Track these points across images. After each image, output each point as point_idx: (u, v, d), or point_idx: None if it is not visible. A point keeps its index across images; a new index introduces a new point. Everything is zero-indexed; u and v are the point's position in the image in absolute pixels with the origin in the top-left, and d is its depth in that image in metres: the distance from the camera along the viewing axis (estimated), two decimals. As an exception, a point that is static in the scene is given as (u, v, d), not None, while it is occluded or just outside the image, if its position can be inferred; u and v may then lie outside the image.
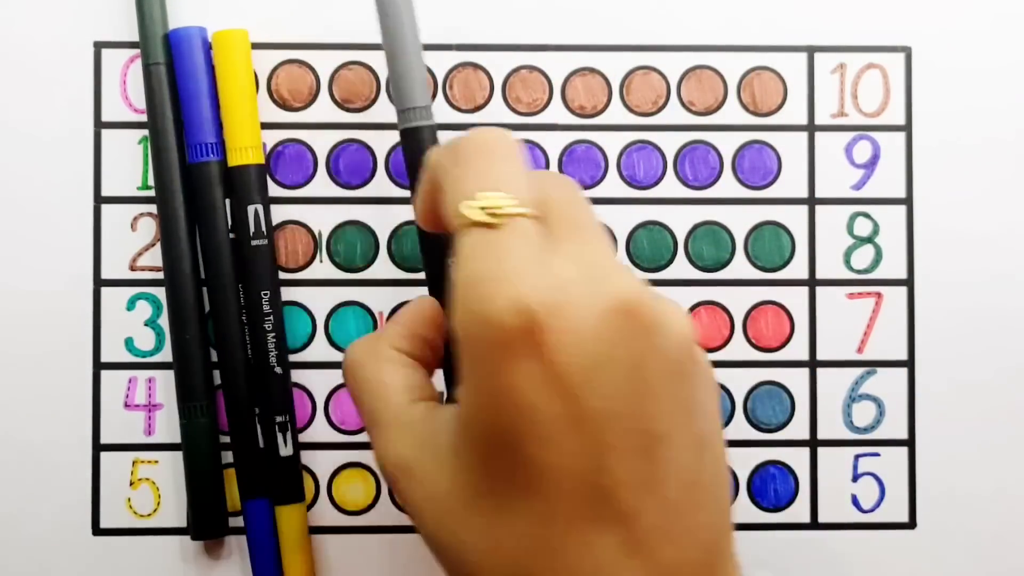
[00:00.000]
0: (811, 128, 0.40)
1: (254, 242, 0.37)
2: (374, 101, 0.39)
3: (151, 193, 0.38)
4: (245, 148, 0.37)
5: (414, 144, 0.34)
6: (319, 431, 0.39)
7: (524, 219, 0.26)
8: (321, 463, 0.39)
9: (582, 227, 0.28)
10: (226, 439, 0.38)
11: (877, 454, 0.39)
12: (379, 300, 0.39)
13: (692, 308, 0.39)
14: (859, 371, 0.39)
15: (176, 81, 0.37)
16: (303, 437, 0.39)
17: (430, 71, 0.39)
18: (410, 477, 0.27)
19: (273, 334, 0.37)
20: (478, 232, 0.26)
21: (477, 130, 0.29)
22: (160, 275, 0.38)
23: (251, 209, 0.37)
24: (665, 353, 0.26)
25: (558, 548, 0.25)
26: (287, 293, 0.39)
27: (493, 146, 0.28)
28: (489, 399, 0.25)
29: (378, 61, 0.39)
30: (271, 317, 0.37)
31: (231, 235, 0.37)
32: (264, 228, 0.37)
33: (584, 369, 0.25)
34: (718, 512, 0.27)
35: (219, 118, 0.37)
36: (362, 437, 0.39)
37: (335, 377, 0.39)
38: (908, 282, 0.39)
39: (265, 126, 0.39)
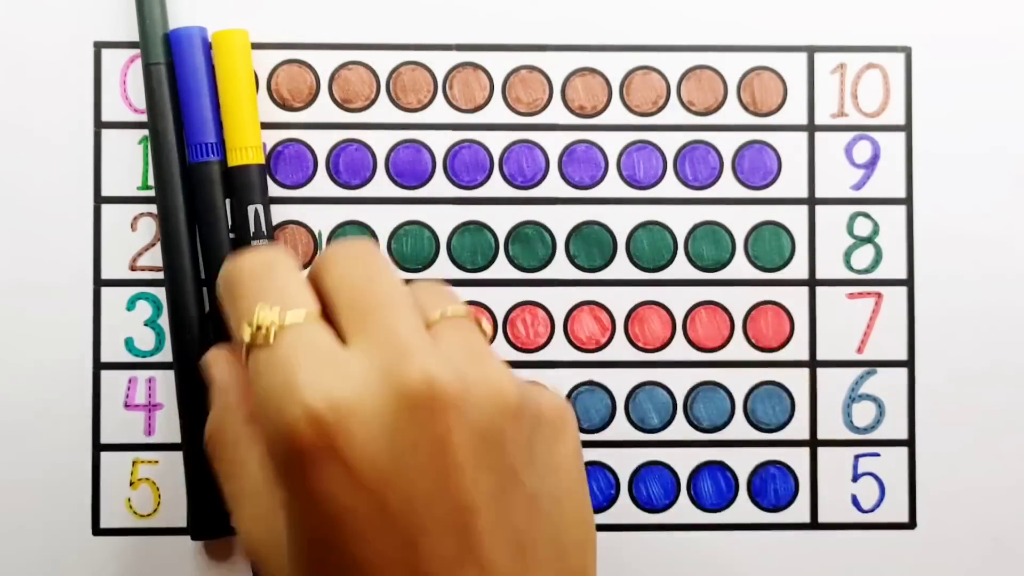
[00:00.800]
0: (811, 128, 0.40)
1: (255, 242, 0.37)
2: (374, 101, 0.39)
3: (151, 193, 0.38)
4: (245, 148, 0.37)
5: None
6: (319, 431, 0.39)
7: (303, 324, 0.27)
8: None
9: (372, 308, 0.27)
10: (226, 439, 0.38)
11: (877, 454, 0.39)
12: (379, 300, 0.39)
13: (692, 308, 0.39)
14: (859, 371, 0.39)
15: (176, 81, 0.37)
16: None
17: (430, 71, 0.39)
18: (262, 563, 0.28)
19: None
20: (258, 352, 0.27)
21: (236, 259, 0.30)
22: (160, 275, 0.38)
23: (251, 209, 0.37)
24: (471, 426, 0.26)
25: None
26: (287, 293, 0.39)
27: (255, 267, 0.29)
28: (301, 506, 0.26)
29: (378, 61, 0.39)
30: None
31: (231, 235, 0.37)
32: (265, 228, 0.37)
33: (383, 462, 0.25)
34: (561, 566, 0.27)
35: (219, 118, 0.37)
36: (362, 437, 0.39)
37: (335, 377, 0.39)
38: (908, 282, 0.39)
39: (265, 126, 0.39)
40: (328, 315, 0.28)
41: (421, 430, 0.25)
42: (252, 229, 0.37)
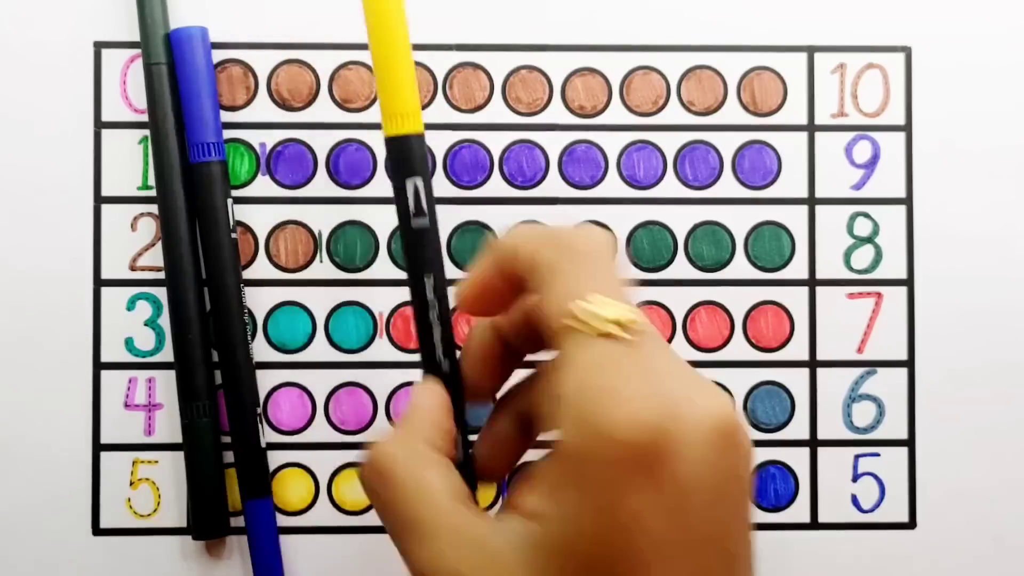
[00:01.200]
0: (811, 128, 0.40)
1: (415, 221, 0.30)
2: (374, 101, 0.39)
3: (151, 193, 0.38)
4: (404, 115, 0.30)
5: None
6: (319, 431, 0.39)
7: (642, 334, 0.25)
8: (321, 464, 0.39)
9: (664, 339, 0.27)
10: (226, 439, 0.38)
11: (877, 454, 0.39)
12: (379, 300, 0.39)
13: (692, 308, 0.39)
14: (859, 371, 0.39)
15: (177, 81, 0.37)
16: (301, 438, 0.39)
17: (430, 71, 0.39)
18: None
19: (442, 328, 0.31)
20: (601, 343, 0.25)
21: (585, 229, 0.27)
22: (160, 275, 0.38)
23: (410, 184, 0.30)
24: (744, 474, 0.25)
25: None
26: (287, 293, 0.39)
27: (604, 250, 0.27)
28: (601, 520, 0.23)
29: (378, 61, 0.39)
30: (442, 304, 0.31)
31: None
32: (426, 206, 0.30)
33: (695, 493, 0.23)
34: None
35: (219, 118, 0.37)
36: (360, 437, 0.39)
37: (335, 377, 0.39)
38: (908, 282, 0.39)
39: (265, 126, 0.39)
40: None
41: (719, 470, 0.24)
42: (412, 207, 0.30)
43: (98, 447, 0.38)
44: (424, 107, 0.39)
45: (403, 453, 0.27)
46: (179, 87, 0.37)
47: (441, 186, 0.39)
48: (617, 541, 0.23)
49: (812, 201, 0.40)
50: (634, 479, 0.23)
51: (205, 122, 0.37)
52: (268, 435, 0.38)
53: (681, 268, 0.39)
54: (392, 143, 0.30)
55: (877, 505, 0.39)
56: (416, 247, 0.30)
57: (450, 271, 0.39)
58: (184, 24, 0.38)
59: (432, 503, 0.26)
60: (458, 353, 0.30)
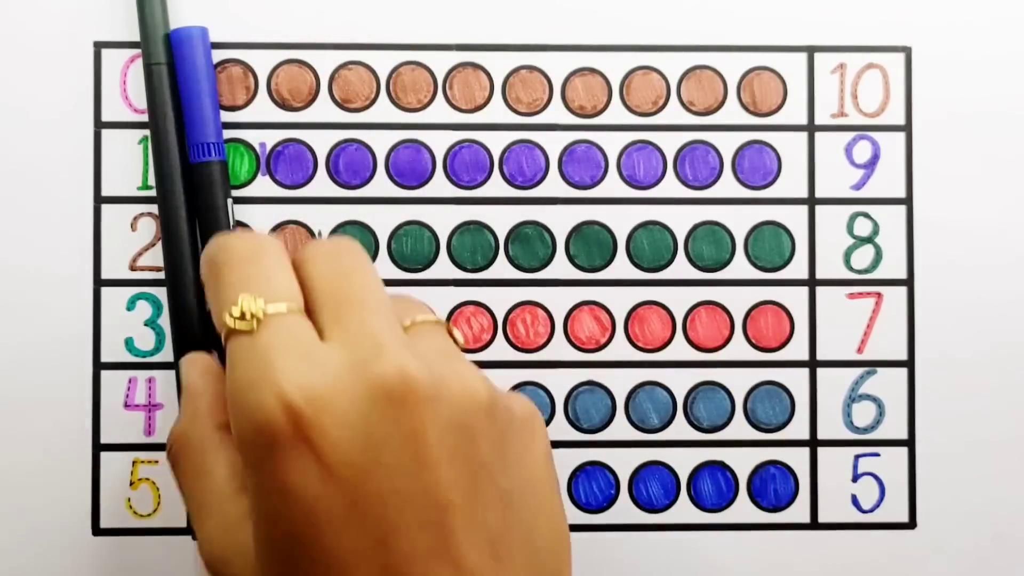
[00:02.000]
0: (811, 128, 0.40)
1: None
2: (374, 101, 0.39)
3: (151, 193, 0.38)
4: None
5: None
6: (319, 431, 0.39)
7: (285, 315, 0.27)
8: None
9: (352, 302, 0.28)
10: (226, 439, 0.38)
11: (877, 454, 0.39)
12: (379, 300, 0.39)
13: (692, 308, 0.39)
14: (859, 371, 0.39)
15: (177, 81, 0.37)
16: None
17: (430, 71, 0.39)
18: (224, 573, 0.27)
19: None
20: (239, 339, 0.27)
21: (225, 240, 0.29)
22: (160, 275, 0.38)
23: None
24: (445, 421, 0.26)
25: None
26: (287, 293, 0.39)
27: (244, 252, 0.29)
28: (273, 500, 0.25)
29: (378, 61, 0.39)
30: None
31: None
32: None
33: (356, 455, 0.25)
34: (536, 565, 0.27)
35: (219, 118, 0.37)
36: (362, 437, 0.39)
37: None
38: (908, 282, 0.39)
39: (265, 126, 0.39)
40: (308, 309, 0.28)
41: (395, 424, 0.25)
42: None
43: (98, 447, 0.38)
44: (424, 107, 0.39)
45: (193, 435, 0.29)
46: (179, 87, 0.37)
47: (441, 186, 0.39)
48: (290, 514, 0.25)
49: (812, 201, 0.40)
50: (282, 454, 0.25)
51: (205, 122, 0.37)
52: (268, 435, 0.38)
53: (681, 268, 0.39)
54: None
55: (877, 505, 0.39)
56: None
57: (450, 271, 0.39)
58: (184, 24, 0.38)
59: (210, 486, 0.28)
60: None
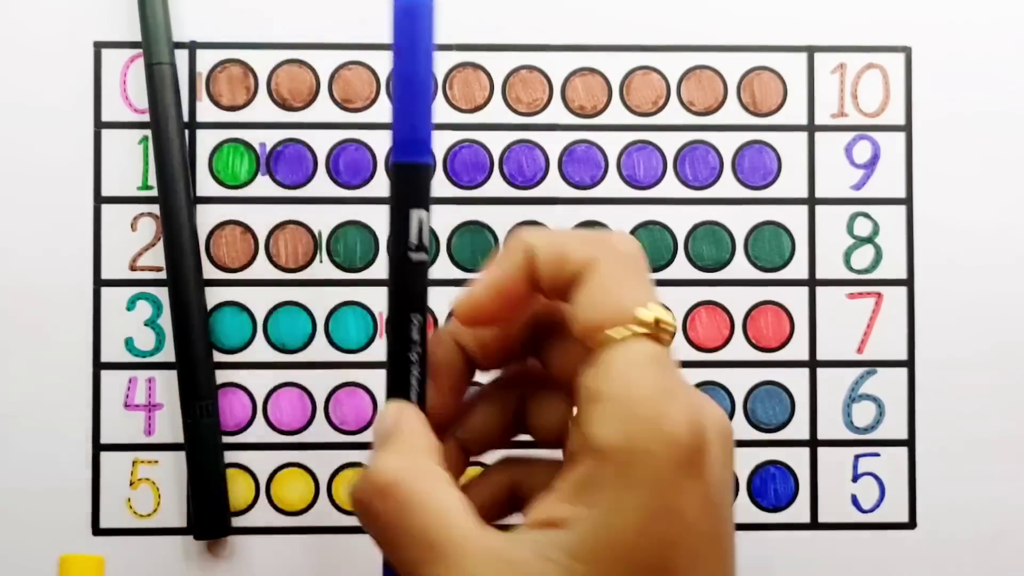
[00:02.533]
0: (811, 128, 0.40)
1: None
2: (374, 101, 0.39)
3: (151, 193, 0.38)
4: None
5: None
6: (319, 431, 0.39)
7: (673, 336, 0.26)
8: (321, 464, 0.39)
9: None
10: (228, 439, 0.38)
11: (877, 454, 0.39)
12: (379, 300, 0.39)
13: (692, 308, 0.39)
14: (859, 371, 0.39)
15: (395, 65, 0.29)
16: (301, 438, 0.39)
17: (430, 71, 0.39)
18: None
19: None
20: (648, 345, 0.25)
21: (620, 236, 0.28)
22: (160, 275, 0.38)
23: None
24: (733, 472, 0.27)
25: None
26: (287, 293, 0.39)
27: (639, 251, 0.27)
28: (650, 515, 0.24)
29: (378, 61, 0.39)
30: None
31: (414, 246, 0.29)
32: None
33: (717, 487, 0.25)
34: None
35: (430, 114, 0.30)
36: (360, 437, 0.39)
37: (335, 377, 0.39)
38: (908, 282, 0.39)
39: (265, 126, 0.39)
40: None
41: (731, 460, 0.26)
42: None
43: (98, 447, 0.38)
44: (424, 107, 0.39)
45: (410, 471, 0.26)
46: (394, 71, 0.29)
47: (441, 186, 0.39)
48: (666, 534, 0.24)
49: (812, 201, 0.40)
50: (685, 474, 0.24)
51: (414, 115, 0.29)
52: (268, 435, 0.38)
53: (681, 268, 0.39)
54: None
55: (877, 505, 0.39)
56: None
57: (450, 271, 0.39)
58: (183, 24, 0.38)
59: (453, 523, 0.25)
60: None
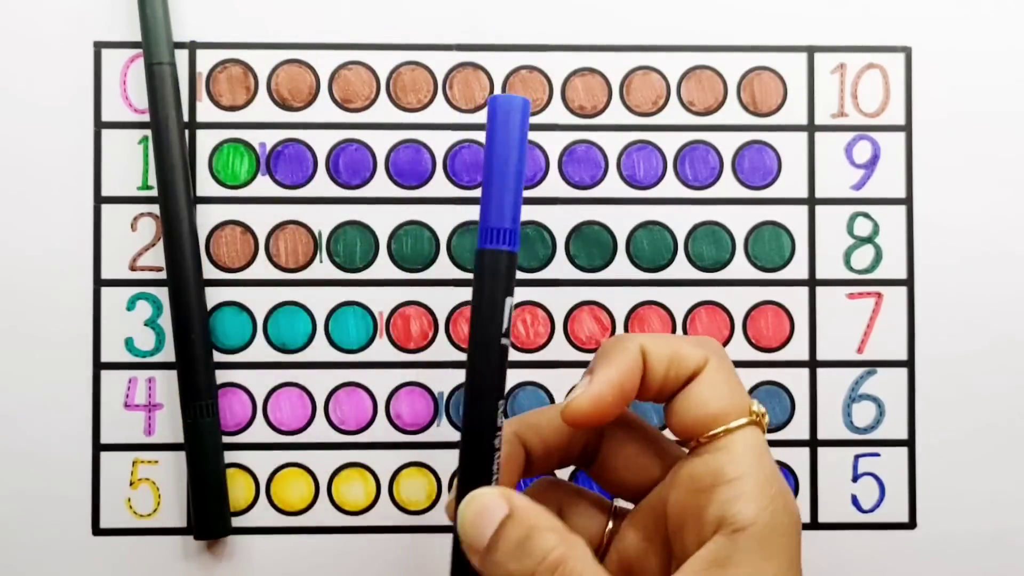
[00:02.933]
0: (811, 128, 0.40)
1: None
2: (374, 101, 0.39)
3: (151, 193, 0.38)
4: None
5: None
6: (319, 431, 0.39)
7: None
8: (321, 463, 0.39)
9: None
10: (228, 439, 0.38)
11: (877, 454, 0.39)
12: (379, 300, 0.39)
13: (692, 308, 0.39)
14: (859, 371, 0.39)
15: (488, 156, 0.30)
16: (301, 438, 0.39)
17: (430, 71, 0.39)
18: None
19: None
20: (759, 432, 0.29)
21: (712, 339, 0.31)
22: (160, 275, 0.38)
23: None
24: None
25: None
26: (287, 293, 0.39)
27: (723, 350, 0.31)
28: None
29: (378, 61, 0.39)
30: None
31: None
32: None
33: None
34: None
35: (520, 201, 0.30)
36: (360, 437, 0.39)
37: (335, 377, 0.39)
38: (908, 282, 0.39)
39: (265, 126, 0.39)
40: None
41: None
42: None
43: (98, 447, 0.38)
44: (424, 107, 0.39)
45: (577, 556, 0.27)
46: (486, 160, 0.30)
47: (441, 186, 0.39)
48: None
49: (812, 201, 0.40)
50: (799, 544, 0.29)
51: (504, 205, 0.30)
52: (268, 435, 0.38)
53: (681, 268, 0.39)
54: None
55: (877, 505, 0.39)
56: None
57: (450, 271, 0.39)
58: (183, 25, 0.38)
59: None
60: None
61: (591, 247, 0.39)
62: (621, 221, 0.39)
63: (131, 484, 0.38)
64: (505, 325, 0.29)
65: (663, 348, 0.30)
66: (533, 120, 0.39)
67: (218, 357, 0.38)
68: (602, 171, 0.39)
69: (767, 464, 0.28)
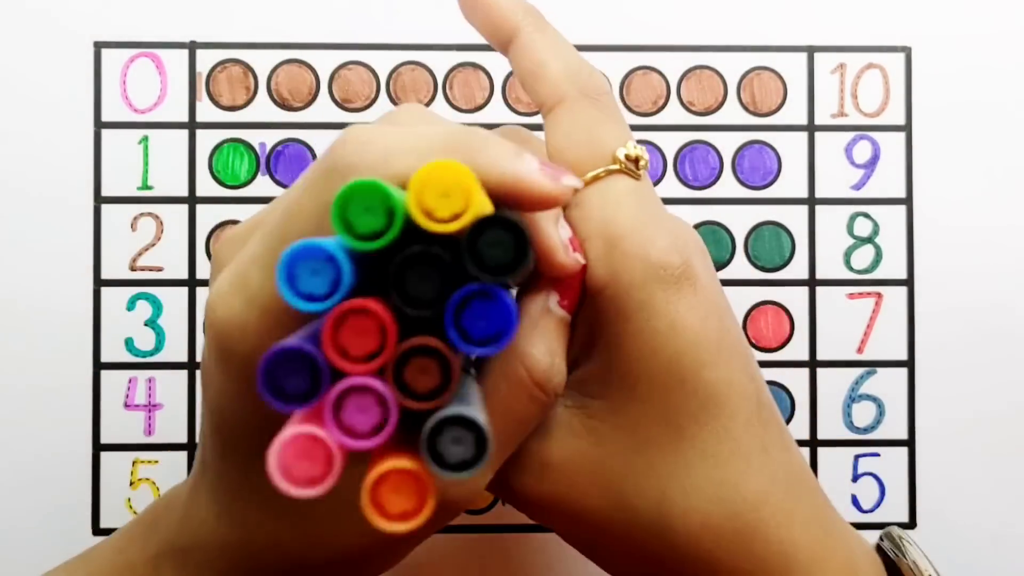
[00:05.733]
0: (811, 128, 0.40)
1: None
2: (374, 101, 0.39)
3: (151, 193, 0.38)
4: None
5: None
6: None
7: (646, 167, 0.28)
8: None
9: None
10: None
11: (877, 454, 0.39)
12: (379, 300, 0.39)
13: (692, 308, 0.39)
14: (859, 371, 0.39)
15: None
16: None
17: (430, 71, 0.39)
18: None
19: None
20: (628, 180, 0.27)
21: (598, 73, 0.28)
22: (160, 275, 0.38)
23: None
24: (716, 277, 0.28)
25: (748, 451, 0.26)
26: (287, 293, 0.39)
27: (608, 88, 0.28)
28: (659, 335, 0.26)
29: (379, 61, 0.39)
30: None
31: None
32: None
33: (717, 295, 0.27)
34: None
35: None
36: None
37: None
38: (908, 282, 0.39)
39: (265, 126, 0.39)
40: None
41: (712, 270, 0.27)
42: None
43: (98, 447, 0.38)
44: (425, 107, 0.39)
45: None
46: None
47: (441, 186, 0.39)
48: (673, 351, 0.26)
49: (812, 201, 0.40)
50: (680, 293, 0.26)
51: None
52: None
53: (681, 268, 0.39)
54: None
55: (877, 505, 0.39)
56: None
57: (450, 271, 0.39)
58: (183, 25, 0.38)
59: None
60: None
61: (591, 247, 0.39)
62: (621, 221, 0.39)
63: (131, 484, 0.38)
64: None
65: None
66: (532, 120, 0.39)
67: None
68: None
69: (624, 218, 0.26)
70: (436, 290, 0.20)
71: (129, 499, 0.38)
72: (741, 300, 0.39)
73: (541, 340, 0.25)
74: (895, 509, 0.39)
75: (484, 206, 0.20)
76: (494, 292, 0.20)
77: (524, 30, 0.28)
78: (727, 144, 0.39)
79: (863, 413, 0.39)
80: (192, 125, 0.39)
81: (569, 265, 0.25)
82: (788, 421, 0.39)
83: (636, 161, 0.27)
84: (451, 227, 0.19)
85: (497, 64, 0.39)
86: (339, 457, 0.19)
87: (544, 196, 0.23)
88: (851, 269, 0.40)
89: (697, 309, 0.26)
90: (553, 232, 0.25)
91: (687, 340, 0.26)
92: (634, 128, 0.39)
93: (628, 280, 0.25)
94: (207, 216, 0.39)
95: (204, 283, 0.38)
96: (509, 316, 0.20)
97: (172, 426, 0.38)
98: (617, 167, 0.27)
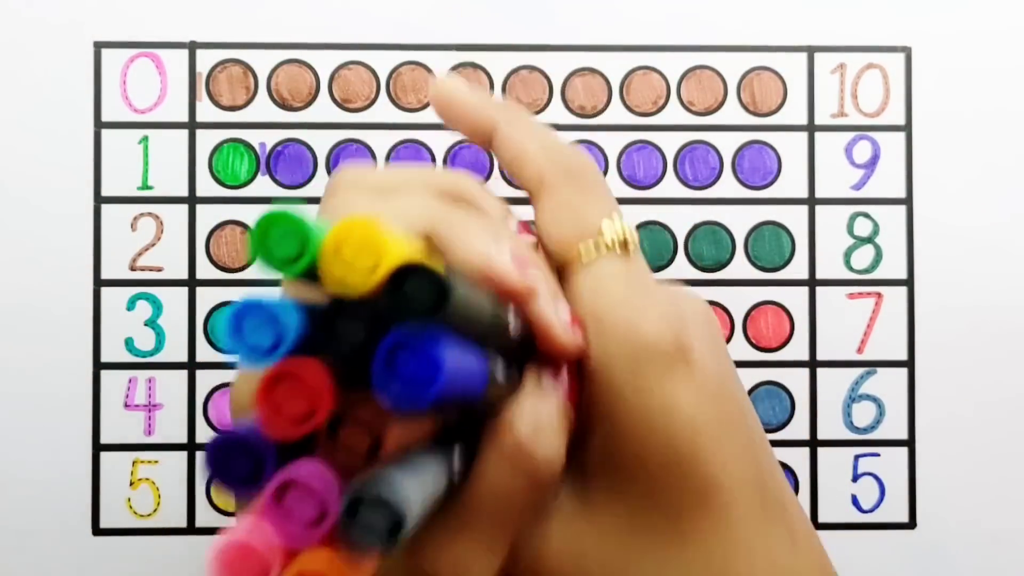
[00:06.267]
0: (811, 128, 0.40)
1: None
2: (374, 101, 0.39)
3: (151, 193, 0.38)
4: None
5: None
6: (319, 431, 0.39)
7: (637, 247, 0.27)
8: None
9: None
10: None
11: (877, 454, 0.39)
12: (379, 300, 0.39)
13: (692, 308, 0.39)
14: (859, 371, 0.39)
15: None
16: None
17: (430, 71, 0.39)
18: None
19: None
20: (616, 260, 0.26)
21: (579, 151, 0.28)
22: (160, 275, 0.38)
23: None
24: (725, 350, 0.27)
25: (748, 549, 0.25)
26: (287, 293, 0.39)
27: (594, 167, 0.28)
28: (654, 418, 0.25)
29: (378, 61, 0.39)
30: None
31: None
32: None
33: (720, 371, 0.26)
34: None
35: None
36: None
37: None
38: (908, 282, 0.39)
39: (265, 126, 0.39)
40: None
41: (718, 342, 0.27)
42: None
43: (98, 447, 0.38)
44: (424, 107, 0.39)
45: None
46: None
47: (441, 186, 0.39)
48: (666, 432, 0.25)
49: (812, 201, 0.40)
50: (673, 371, 0.25)
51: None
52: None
53: (681, 268, 0.39)
54: None
55: (877, 505, 0.39)
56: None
57: (450, 271, 0.39)
58: (183, 25, 0.38)
59: None
60: None
61: (591, 247, 0.39)
62: (621, 221, 0.39)
63: (131, 484, 0.38)
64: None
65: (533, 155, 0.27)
66: (533, 120, 0.39)
67: (218, 357, 0.38)
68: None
69: (612, 299, 0.26)
70: (363, 338, 0.19)
71: (129, 499, 0.38)
72: (741, 300, 0.39)
73: (527, 410, 0.25)
74: (895, 509, 0.39)
75: (403, 256, 0.19)
76: (420, 339, 0.19)
77: (501, 124, 0.28)
78: (727, 144, 0.39)
79: (863, 413, 0.39)
80: (192, 125, 0.39)
81: (569, 344, 0.25)
82: (788, 421, 0.39)
83: (625, 243, 0.26)
84: (364, 286, 0.19)
85: (497, 64, 0.39)
86: (276, 565, 0.18)
87: (509, 291, 0.23)
88: (851, 269, 0.40)
89: (692, 389, 0.25)
90: (550, 311, 0.25)
91: (681, 422, 0.25)
92: (634, 128, 0.39)
93: (619, 361, 0.25)
94: (207, 216, 0.39)
95: (204, 283, 0.38)
96: (435, 364, 0.19)
97: (172, 426, 0.38)
98: (604, 249, 0.26)
